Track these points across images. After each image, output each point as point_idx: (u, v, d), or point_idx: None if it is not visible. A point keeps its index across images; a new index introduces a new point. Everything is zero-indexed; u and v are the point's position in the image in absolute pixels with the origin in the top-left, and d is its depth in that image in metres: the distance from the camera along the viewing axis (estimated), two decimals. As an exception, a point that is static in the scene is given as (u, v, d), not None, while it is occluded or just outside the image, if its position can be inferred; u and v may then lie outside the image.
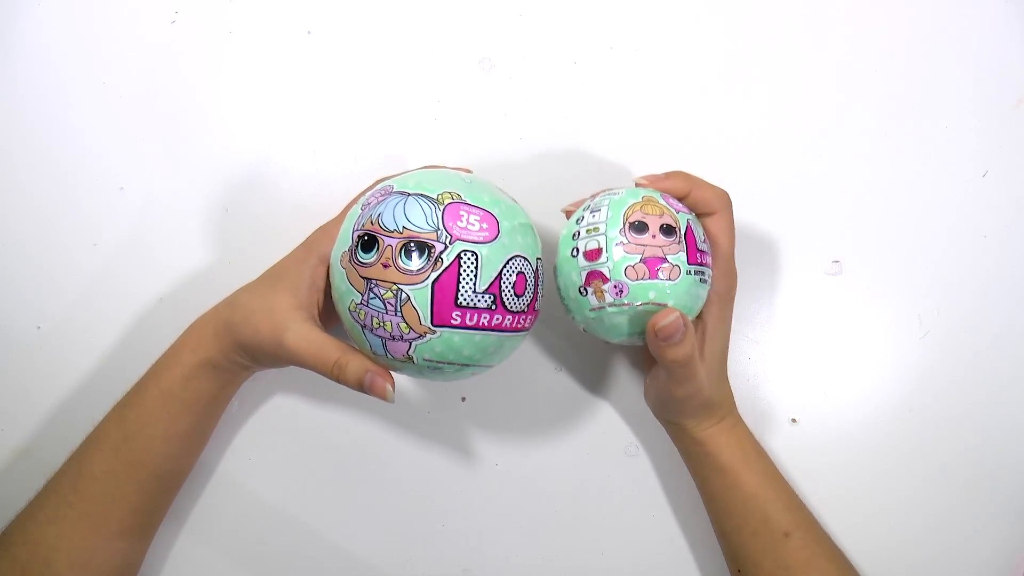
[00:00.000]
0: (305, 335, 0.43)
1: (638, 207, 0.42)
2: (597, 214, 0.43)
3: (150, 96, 0.56)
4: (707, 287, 0.44)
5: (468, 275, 0.40)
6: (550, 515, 0.54)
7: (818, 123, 0.54)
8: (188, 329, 0.48)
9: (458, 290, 0.39)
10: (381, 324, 0.40)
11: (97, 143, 0.55)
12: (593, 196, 0.45)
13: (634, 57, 0.55)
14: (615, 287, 0.42)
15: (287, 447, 0.55)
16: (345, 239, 0.42)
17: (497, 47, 0.55)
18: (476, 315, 0.40)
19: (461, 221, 0.40)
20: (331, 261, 0.43)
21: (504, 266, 0.41)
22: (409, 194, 0.41)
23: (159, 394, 0.47)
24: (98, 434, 0.48)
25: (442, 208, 0.40)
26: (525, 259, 0.42)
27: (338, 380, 0.43)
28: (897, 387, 0.53)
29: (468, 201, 0.41)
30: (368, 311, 0.41)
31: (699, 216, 0.45)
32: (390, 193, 0.41)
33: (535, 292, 0.43)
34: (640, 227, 0.42)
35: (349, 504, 0.54)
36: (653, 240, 0.41)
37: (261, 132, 0.55)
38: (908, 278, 0.54)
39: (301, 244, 0.47)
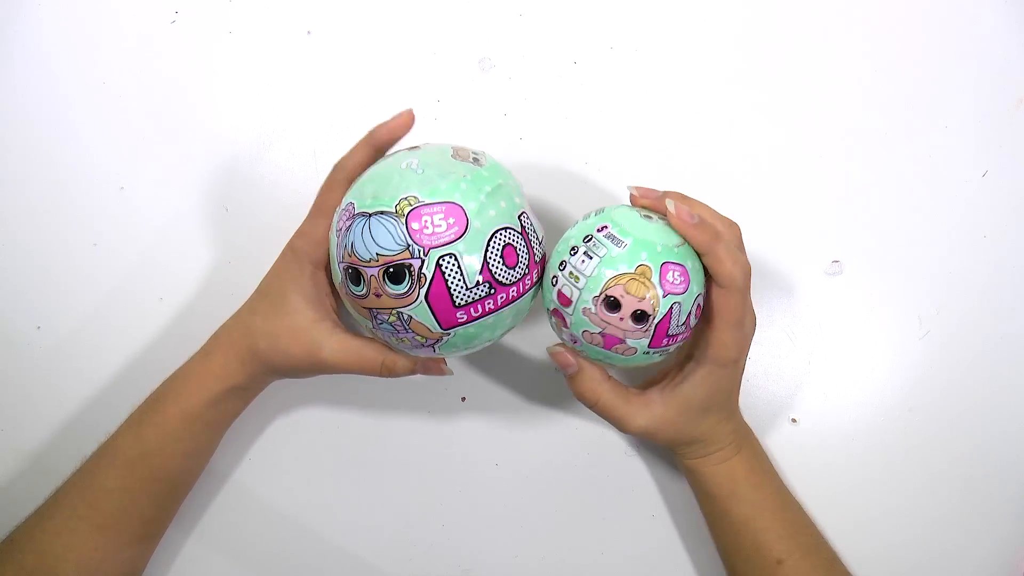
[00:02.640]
0: (342, 346, 0.44)
1: (624, 280, 0.39)
2: (587, 263, 0.40)
3: (150, 96, 0.56)
4: (665, 356, 0.43)
5: (454, 278, 0.39)
6: (550, 515, 0.54)
7: (818, 122, 0.54)
8: (208, 356, 0.47)
9: (451, 295, 0.39)
10: (400, 341, 0.42)
11: (97, 143, 0.55)
12: (598, 218, 0.42)
13: (634, 57, 0.55)
14: (571, 336, 0.42)
15: (286, 447, 0.55)
16: (336, 271, 0.42)
17: (497, 47, 0.55)
18: (479, 306, 0.40)
19: (427, 228, 0.39)
20: (337, 286, 0.43)
21: (487, 250, 0.39)
22: (370, 214, 0.39)
23: (181, 415, 0.46)
24: (112, 449, 0.47)
25: (404, 220, 0.39)
26: (506, 229, 0.40)
27: (390, 377, 0.45)
28: (897, 387, 0.53)
29: (426, 200, 0.39)
30: (383, 333, 0.42)
31: (709, 280, 0.42)
32: (353, 216, 0.40)
33: (530, 250, 0.41)
34: (613, 305, 0.39)
35: (349, 504, 0.54)
36: (620, 322, 0.40)
37: (261, 132, 0.55)
38: (908, 278, 0.54)
39: (286, 255, 0.46)
